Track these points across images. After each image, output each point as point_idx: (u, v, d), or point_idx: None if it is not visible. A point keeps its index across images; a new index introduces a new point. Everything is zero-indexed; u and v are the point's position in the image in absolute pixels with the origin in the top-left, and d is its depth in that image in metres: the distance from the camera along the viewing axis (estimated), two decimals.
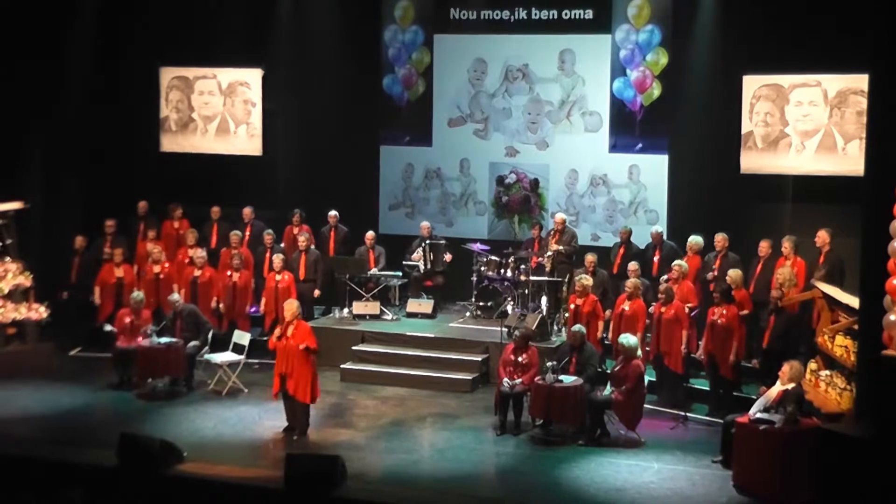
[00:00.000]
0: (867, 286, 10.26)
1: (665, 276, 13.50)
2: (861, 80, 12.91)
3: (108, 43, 16.48)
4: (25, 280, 14.29)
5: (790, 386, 10.42)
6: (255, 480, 10.00)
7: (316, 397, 11.78)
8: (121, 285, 14.82)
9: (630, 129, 15.99)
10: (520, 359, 11.98)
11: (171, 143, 17.46)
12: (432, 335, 14.42)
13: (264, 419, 12.27)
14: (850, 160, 13.88)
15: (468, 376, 13.62)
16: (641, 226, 15.51)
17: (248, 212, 16.22)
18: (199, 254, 15.01)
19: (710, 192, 15.03)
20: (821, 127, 14.34)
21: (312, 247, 15.49)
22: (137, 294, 13.83)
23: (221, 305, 14.79)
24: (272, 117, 16.94)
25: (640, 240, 14.95)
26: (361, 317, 15.05)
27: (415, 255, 15.62)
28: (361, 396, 13.30)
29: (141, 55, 16.81)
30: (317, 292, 15.33)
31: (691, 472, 10.78)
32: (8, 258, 14.35)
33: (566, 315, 13.80)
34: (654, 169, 15.84)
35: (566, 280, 14.51)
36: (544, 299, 14.56)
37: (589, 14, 16.01)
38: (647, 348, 12.73)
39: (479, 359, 13.88)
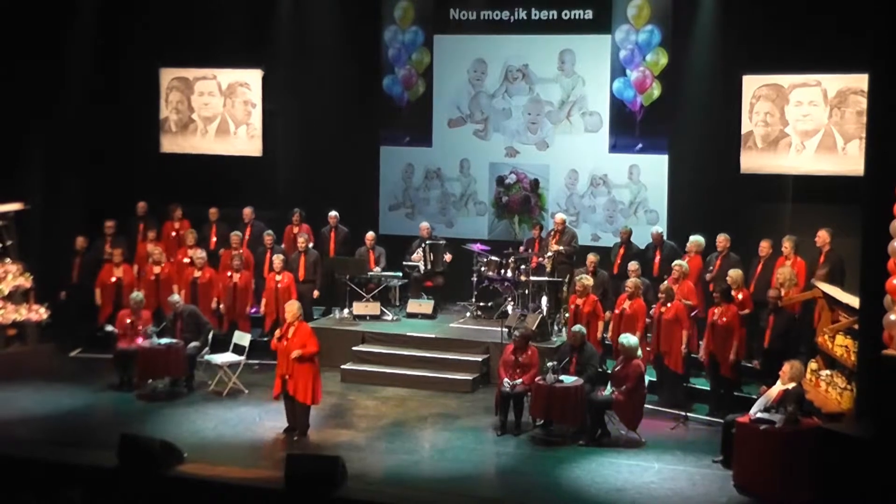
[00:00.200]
0: (867, 286, 10.26)
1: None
2: (861, 80, 12.91)
3: (108, 43, 16.47)
4: (26, 281, 14.30)
5: (790, 385, 10.43)
6: (255, 481, 9.99)
7: (317, 399, 11.76)
8: (120, 286, 14.81)
9: (630, 129, 15.99)
10: (520, 359, 11.97)
11: (171, 144, 17.46)
12: (433, 336, 14.42)
13: (265, 420, 12.27)
14: (850, 160, 13.88)
15: (468, 377, 13.63)
16: (641, 226, 15.52)
17: (248, 212, 16.22)
18: (199, 254, 15.00)
19: (710, 192, 15.03)
20: (821, 127, 14.34)
21: (311, 246, 15.48)
22: (137, 294, 13.83)
23: (222, 306, 14.79)
24: (272, 118, 16.94)
25: (641, 240, 14.95)
26: (362, 317, 15.05)
27: (415, 255, 15.62)
28: (362, 397, 13.30)
29: (141, 56, 16.81)
30: (316, 293, 15.33)
31: (692, 472, 10.78)
32: (8, 259, 14.35)
33: (566, 315, 13.80)
34: (654, 169, 15.85)
35: (566, 280, 14.51)
36: (544, 299, 14.56)
37: (589, 14, 16.01)
38: (648, 348, 12.72)
39: (480, 359, 13.88)
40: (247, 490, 9.72)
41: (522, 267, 14.67)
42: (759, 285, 13.30)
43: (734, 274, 12.84)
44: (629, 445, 11.50)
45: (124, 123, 16.77)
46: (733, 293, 12.51)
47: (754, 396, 10.99)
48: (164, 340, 13.19)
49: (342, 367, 13.99)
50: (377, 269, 15.52)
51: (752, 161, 14.74)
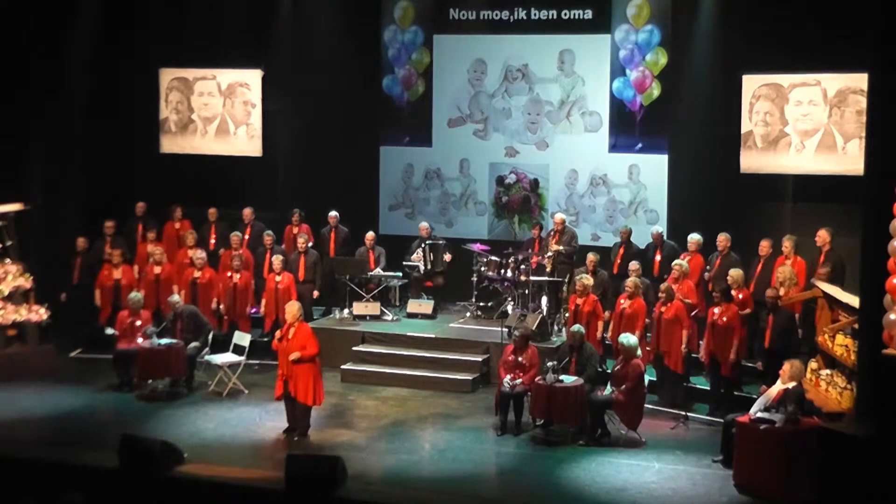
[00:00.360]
0: (867, 286, 10.26)
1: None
2: (860, 80, 12.91)
3: (108, 44, 16.45)
4: (26, 282, 14.30)
5: (790, 385, 10.43)
6: (255, 481, 10.00)
7: (318, 400, 11.74)
8: (118, 287, 14.80)
9: (630, 128, 15.99)
10: (520, 359, 11.97)
11: (170, 145, 17.45)
12: (433, 336, 14.42)
13: (265, 420, 12.28)
14: (849, 159, 13.88)
15: (469, 377, 13.63)
16: (641, 226, 15.52)
17: (248, 213, 16.22)
18: (199, 255, 15.00)
19: (710, 192, 15.03)
20: (820, 126, 14.34)
21: (311, 247, 15.48)
22: (135, 295, 13.83)
23: (222, 306, 14.79)
24: (272, 118, 16.93)
25: (640, 240, 14.95)
26: (362, 317, 15.05)
27: (415, 255, 15.62)
28: (362, 397, 13.30)
29: (141, 56, 16.79)
30: (316, 293, 15.32)
31: (692, 471, 10.78)
32: (8, 260, 14.36)
33: (566, 315, 13.80)
34: (654, 169, 15.85)
35: (566, 280, 14.51)
36: (544, 299, 14.56)
37: (588, 14, 16.01)
38: (648, 348, 12.72)
39: (480, 359, 13.88)
40: (247, 490, 9.72)
41: (522, 267, 14.66)
42: (760, 285, 13.29)
43: (735, 273, 12.84)
44: (629, 445, 11.50)
45: (124, 124, 16.77)
46: (733, 293, 12.50)
47: (754, 396, 10.99)
48: (164, 341, 13.19)
49: (342, 367, 13.99)
50: (377, 270, 15.52)
51: (752, 161, 14.74)
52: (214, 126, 17.22)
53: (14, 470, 10.00)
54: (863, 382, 10.22)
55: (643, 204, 15.96)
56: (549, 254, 14.75)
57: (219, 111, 17.17)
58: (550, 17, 16.21)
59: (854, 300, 10.95)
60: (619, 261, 14.61)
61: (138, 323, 13.52)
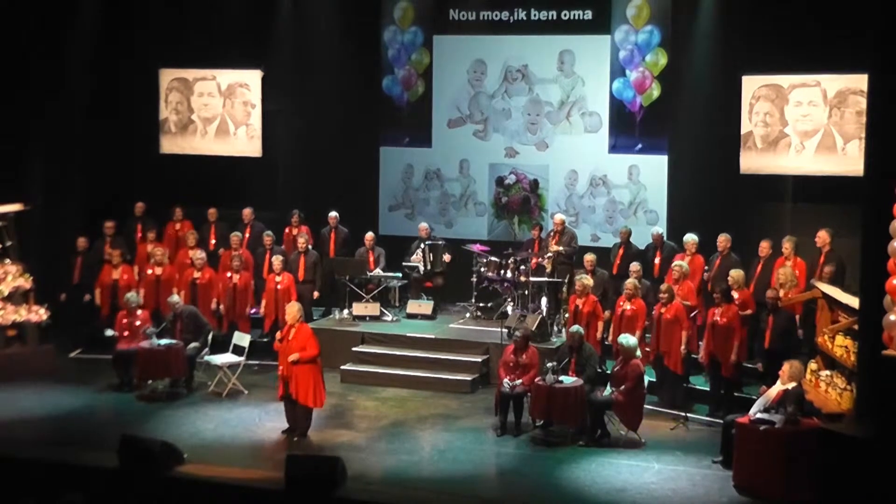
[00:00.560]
0: (867, 286, 10.26)
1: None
2: (860, 80, 12.90)
3: (108, 44, 16.46)
4: (25, 282, 14.30)
5: (790, 385, 10.43)
6: (255, 482, 10.01)
7: (319, 402, 11.71)
8: (116, 287, 14.79)
9: (630, 129, 16.00)
10: (520, 360, 11.97)
11: (170, 145, 17.46)
12: (432, 336, 14.41)
13: (264, 420, 12.28)
14: (849, 160, 13.88)
15: (468, 377, 13.62)
16: (641, 226, 15.52)
17: (247, 212, 16.21)
18: (199, 255, 14.99)
19: (710, 192, 15.03)
20: (820, 127, 14.34)
21: (310, 246, 15.48)
22: (131, 295, 13.82)
23: (221, 307, 14.78)
24: (272, 118, 16.93)
25: (640, 240, 14.95)
26: (361, 318, 15.05)
27: (414, 256, 15.62)
28: (361, 398, 13.30)
29: (141, 57, 16.80)
30: (316, 294, 15.32)
31: (692, 472, 10.78)
32: (8, 260, 14.36)
33: (566, 316, 13.79)
34: (653, 169, 15.85)
35: (566, 281, 14.52)
36: (544, 300, 14.57)
37: (588, 15, 16.02)
38: (647, 349, 12.72)
39: (480, 360, 13.88)
40: (247, 490, 9.73)
41: (522, 267, 14.66)
42: (759, 286, 13.28)
43: (735, 274, 12.83)
44: (629, 446, 11.50)
45: (124, 124, 16.77)
46: (733, 293, 12.50)
47: (754, 397, 10.99)
48: (164, 341, 13.19)
49: (342, 367, 13.98)
50: (377, 270, 15.52)
51: (752, 161, 14.74)
52: (214, 126, 17.22)
53: (14, 470, 10.01)
54: (862, 383, 10.22)
55: (643, 204, 15.97)
56: (549, 254, 14.75)
57: (219, 111, 17.18)
58: (550, 17, 16.21)
59: (854, 301, 10.95)
60: (618, 261, 14.61)
61: (137, 323, 13.51)
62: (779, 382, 10.55)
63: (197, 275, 14.83)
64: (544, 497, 10.29)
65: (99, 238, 15.69)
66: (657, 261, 14.41)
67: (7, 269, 14.21)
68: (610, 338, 13.12)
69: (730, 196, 14.85)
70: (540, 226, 15.76)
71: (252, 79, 16.93)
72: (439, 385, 13.56)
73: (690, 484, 10.50)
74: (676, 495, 10.23)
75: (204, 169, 16.92)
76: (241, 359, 13.54)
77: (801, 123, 14.46)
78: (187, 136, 17.38)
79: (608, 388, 11.69)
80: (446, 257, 15.64)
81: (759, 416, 10.35)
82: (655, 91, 15.79)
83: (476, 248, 15.31)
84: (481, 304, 15.28)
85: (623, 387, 11.50)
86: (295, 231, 15.89)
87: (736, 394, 12.28)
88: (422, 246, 15.60)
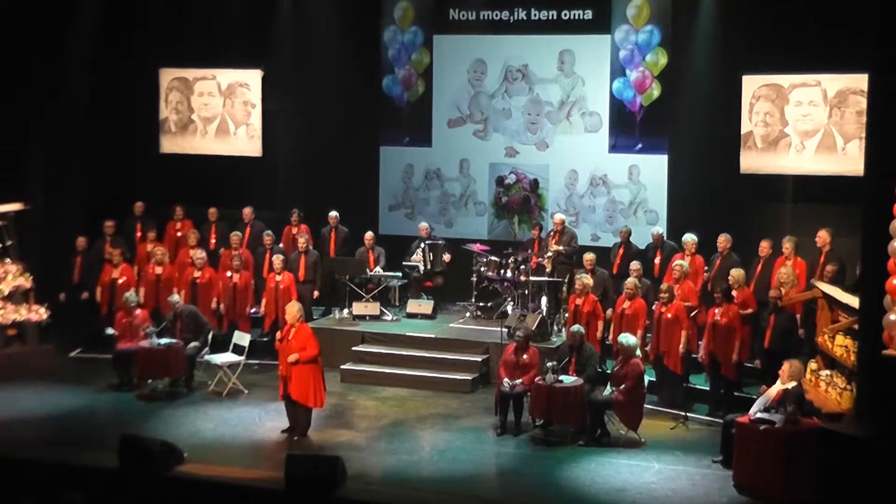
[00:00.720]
0: (867, 286, 10.26)
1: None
2: (861, 80, 12.90)
3: (108, 44, 16.46)
4: (26, 281, 14.30)
5: (790, 385, 10.43)
6: (255, 481, 10.00)
7: (319, 402, 11.70)
8: (115, 287, 14.78)
9: (630, 129, 16.00)
10: (521, 359, 11.97)
11: (170, 145, 17.46)
12: (432, 336, 14.42)
13: (265, 420, 12.28)
14: (849, 160, 13.88)
15: (468, 377, 13.62)
16: (641, 226, 15.52)
17: (247, 212, 16.22)
18: (199, 255, 15.00)
19: (710, 192, 15.03)
20: (820, 127, 14.34)
21: (311, 247, 15.49)
22: (130, 294, 13.82)
23: (221, 306, 14.78)
24: (272, 118, 16.93)
25: (640, 240, 14.95)
26: (361, 317, 15.05)
27: (414, 255, 15.62)
28: (362, 397, 13.30)
29: (141, 56, 16.80)
30: (316, 293, 15.32)
31: (692, 472, 10.78)
32: (8, 259, 14.36)
33: (566, 315, 13.79)
34: (653, 169, 15.85)
35: (566, 280, 14.52)
36: (544, 300, 14.57)
37: (588, 14, 16.02)
38: (647, 348, 12.71)
39: (480, 359, 13.88)
40: (247, 490, 9.73)
41: (522, 267, 14.66)
42: (759, 286, 13.30)
43: (736, 273, 12.83)
44: (629, 445, 11.50)
45: (124, 124, 16.77)
46: (734, 293, 12.50)
47: (755, 396, 10.99)
48: (164, 340, 13.19)
49: (342, 367, 13.99)
50: (377, 270, 15.52)
51: (752, 161, 14.74)
52: (214, 126, 17.22)
53: (14, 470, 10.00)
54: (862, 383, 10.21)
55: (643, 204, 15.96)
56: (549, 254, 14.75)
57: (219, 111, 17.17)
58: (550, 17, 16.21)
59: (854, 300, 10.95)
60: (618, 261, 14.61)
61: (136, 322, 13.50)
62: (779, 382, 10.55)
63: (197, 274, 14.83)
64: (544, 497, 10.29)
65: (99, 238, 15.69)
66: (657, 260, 14.41)
67: (7, 269, 14.22)
68: (610, 337, 13.12)
69: (730, 196, 14.85)
70: (540, 225, 15.76)
71: (252, 78, 16.93)
72: (439, 384, 13.56)
73: (690, 483, 10.50)
74: (676, 495, 10.23)
75: (204, 168, 16.92)
76: (242, 358, 13.55)
77: (801, 123, 14.46)
78: (187, 136, 17.38)
79: (608, 387, 11.69)
80: (446, 257, 15.65)
81: (759, 415, 10.35)
82: (655, 91, 15.79)
83: (476, 247, 15.32)
84: (481, 304, 15.28)
85: (623, 386, 11.50)
86: (294, 230, 15.90)
87: (736, 393, 12.29)
88: (422, 245, 15.60)
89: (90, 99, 16.49)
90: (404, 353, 14.17)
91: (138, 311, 13.67)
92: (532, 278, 14.58)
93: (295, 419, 11.73)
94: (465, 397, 13.27)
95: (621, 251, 14.74)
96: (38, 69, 15.75)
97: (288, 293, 14.37)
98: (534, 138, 16.51)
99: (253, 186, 16.71)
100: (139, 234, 16.10)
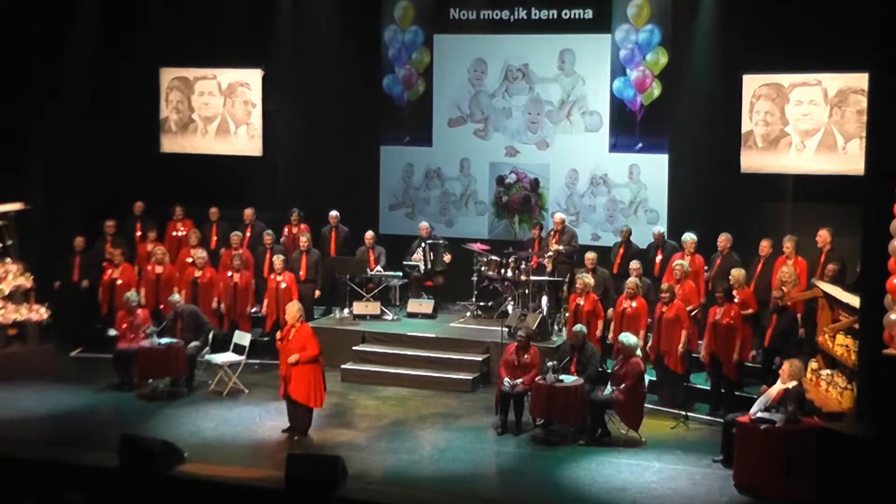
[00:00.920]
0: (867, 285, 10.26)
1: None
2: (861, 79, 12.92)
3: (108, 44, 16.47)
4: (26, 281, 14.30)
5: (791, 384, 10.43)
6: (256, 481, 10.00)
7: (318, 402, 11.70)
8: (114, 286, 14.78)
9: (630, 128, 15.99)
10: (522, 359, 11.97)
11: (171, 144, 17.46)
12: (433, 335, 14.42)
13: (265, 420, 12.29)
14: (850, 159, 13.88)
15: (469, 376, 13.63)
16: (641, 225, 15.52)
17: (248, 213, 16.21)
18: (200, 254, 15.00)
19: (710, 191, 15.03)
20: (821, 126, 14.33)
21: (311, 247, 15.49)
22: (131, 294, 13.82)
23: (222, 306, 14.78)
24: (272, 118, 16.93)
25: (641, 239, 14.95)
26: (362, 317, 15.05)
27: (415, 255, 15.62)
28: (362, 397, 13.30)
29: (141, 56, 16.80)
30: (317, 293, 15.32)
31: (692, 471, 10.78)
32: (8, 259, 14.36)
33: (567, 315, 13.79)
34: (654, 168, 15.85)
35: (567, 280, 14.51)
36: (545, 299, 14.56)
37: (589, 14, 16.01)
38: (648, 348, 12.70)
39: (480, 359, 13.88)
40: (247, 490, 9.73)
41: (522, 266, 14.66)
42: (759, 285, 13.30)
43: (736, 273, 12.82)
44: (629, 445, 11.49)
45: (124, 124, 16.78)
46: (734, 292, 12.49)
47: (755, 396, 10.99)
48: (165, 340, 13.19)
49: (342, 366, 13.99)
50: (377, 269, 15.52)
51: (753, 160, 14.74)
52: (215, 126, 17.22)
53: (14, 470, 10.00)
54: (863, 382, 10.21)
55: (643, 204, 15.96)
56: (550, 253, 14.75)
57: (219, 111, 17.17)
58: (551, 16, 16.20)
59: (854, 300, 10.95)
60: (619, 260, 14.61)
61: (137, 322, 13.50)
62: (779, 381, 10.55)
63: (198, 274, 14.83)
64: (545, 496, 10.29)
65: (99, 237, 15.69)
66: (658, 260, 14.41)
67: (7, 268, 14.22)
68: (610, 336, 13.12)
69: (730, 195, 14.84)
70: (540, 225, 15.76)
71: (252, 78, 16.93)
72: (440, 384, 13.57)
73: (691, 483, 10.50)
74: (676, 494, 10.23)
75: (204, 168, 16.93)
76: (242, 358, 13.55)
77: (801, 122, 14.46)
78: (188, 136, 17.38)
79: (608, 386, 11.68)
80: (447, 256, 15.65)
81: (759, 415, 10.34)
82: (656, 90, 15.79)
83: (476, 247, 15.32)
84: (482, 304, 15.28)
85: (623, 386, 11.50)
86: (294, 230, 15.90)
87: (736, 393, 12.28)
88: (422, 245, 15.60)
89: (90, 99, 16.51)
90: (405, 352, 14.17)
91: (139, 311, 13.68)
92: (532, 278, 14.58)
93: (295, 419, 11.74)
94: (465, 397, 13.27)
95: (622, 251, 14.74)
96: (38, 69, 15.77)
97: (289, 293, 14.36)
98: (534, 138, 16.51)
99: (253, 186, 16.71)
100: (139, 233, 16.11)
